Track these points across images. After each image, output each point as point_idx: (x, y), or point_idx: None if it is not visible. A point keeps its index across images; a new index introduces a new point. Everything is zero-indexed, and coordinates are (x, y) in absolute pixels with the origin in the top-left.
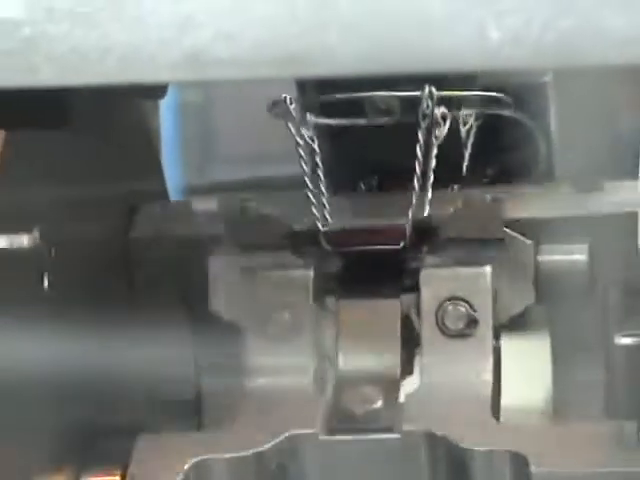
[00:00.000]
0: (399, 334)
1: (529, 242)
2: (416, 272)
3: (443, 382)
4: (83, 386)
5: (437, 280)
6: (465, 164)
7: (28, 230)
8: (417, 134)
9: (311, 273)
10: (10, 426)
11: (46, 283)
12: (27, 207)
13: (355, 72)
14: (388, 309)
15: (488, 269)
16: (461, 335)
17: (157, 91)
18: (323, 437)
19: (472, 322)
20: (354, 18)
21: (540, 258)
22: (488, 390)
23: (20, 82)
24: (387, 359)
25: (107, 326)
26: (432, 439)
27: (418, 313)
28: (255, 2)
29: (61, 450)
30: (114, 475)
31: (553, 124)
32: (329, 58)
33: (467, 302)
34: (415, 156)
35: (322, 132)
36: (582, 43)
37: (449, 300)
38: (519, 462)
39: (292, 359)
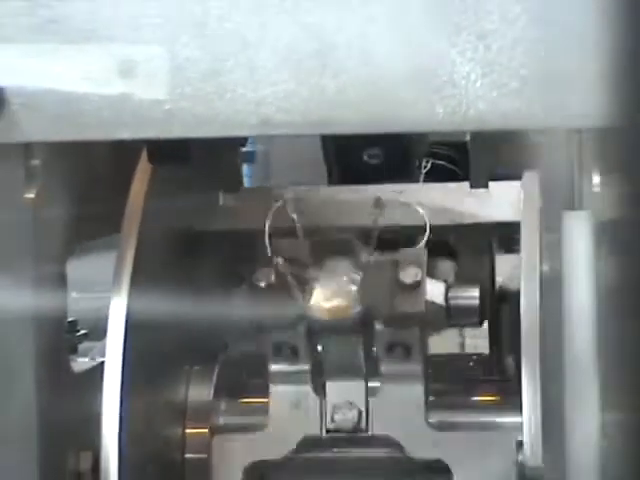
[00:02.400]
0: None
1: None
2: None
3: None
4: (195, 324)
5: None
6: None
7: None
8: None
9: None
10: (162, 342)
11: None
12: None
13: (359, 132)
14: None
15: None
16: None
17: (241, 141)
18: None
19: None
20: (357, 99)
21: None
22: None
23: (162, 136)
24: None
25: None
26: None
27: None
28: (299, 89)
29: (182, 357)
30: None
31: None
32: (343, 123)
33: None
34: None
35: None
36: (487, 117)
37: None
38: None
39: None
